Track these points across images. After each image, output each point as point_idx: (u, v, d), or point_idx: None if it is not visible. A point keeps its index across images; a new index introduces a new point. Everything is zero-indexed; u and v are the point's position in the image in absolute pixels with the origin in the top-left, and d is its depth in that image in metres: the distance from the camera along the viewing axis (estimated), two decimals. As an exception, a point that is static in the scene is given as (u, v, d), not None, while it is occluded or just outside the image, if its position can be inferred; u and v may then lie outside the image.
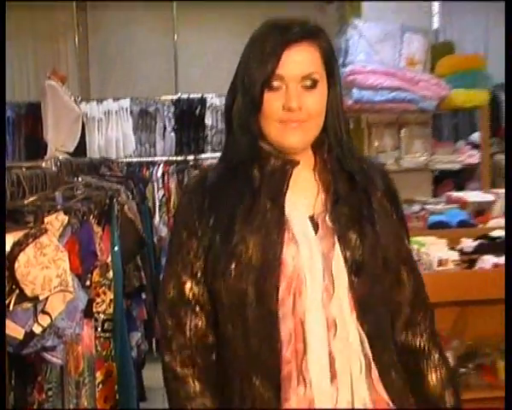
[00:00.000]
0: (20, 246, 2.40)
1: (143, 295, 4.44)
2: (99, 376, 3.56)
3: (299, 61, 1.94)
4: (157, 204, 7.43)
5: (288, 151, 2.00)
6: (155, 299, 4.93)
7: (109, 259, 3.58)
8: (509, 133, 2.82)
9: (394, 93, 6.05)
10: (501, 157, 8.65)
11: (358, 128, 6.52)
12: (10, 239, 2.41)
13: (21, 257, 2.38)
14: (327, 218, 1.97)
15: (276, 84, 1.93)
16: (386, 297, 2.05)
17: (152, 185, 7.38)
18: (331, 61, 2.02)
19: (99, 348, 3.58)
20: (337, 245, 1.92)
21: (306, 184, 2.04)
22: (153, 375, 5.81)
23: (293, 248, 1.91)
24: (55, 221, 2.70)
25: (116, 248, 3.72)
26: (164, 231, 7.36)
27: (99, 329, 3.60)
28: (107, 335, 3.62)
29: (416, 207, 5.47)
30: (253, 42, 1.99)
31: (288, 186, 1.99)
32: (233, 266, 1.89)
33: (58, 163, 3.41)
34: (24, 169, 2.73)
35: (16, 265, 2.37)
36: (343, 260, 1.91)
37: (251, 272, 1.89)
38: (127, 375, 3.85)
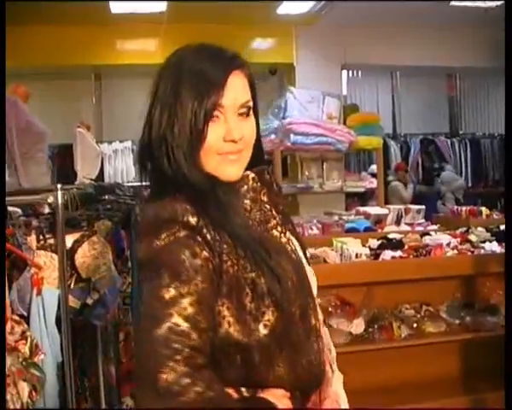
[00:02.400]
0: (78, 243, 2.42)
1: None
2: (121, 335, 3.55)
3: (236, 88, 1.39)
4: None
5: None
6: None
7: (128, 253, 3.58)
8: (509, 133, 2.77)
9: (319, 138, 6.10)
10: (395, 183, 8.84)
11: (294, 162, 6.58)
12: (71, 238, 2.42)
13: (79, 251, 2.40)
14: (296, 241, 1.54)
15: (217, 114, 1.37)
16: None
17: (148, 202, 7.35)
18: (254, 89, 1.48)
19: (121, 316, 3.57)
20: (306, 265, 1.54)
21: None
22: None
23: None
24: (102, 226, 2.71)
25: (133, 246, 3.72)
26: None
27: (121, 303, 3.60)
28: (127, 307, 3.61)
29: (335, 218, 5.53)
30: (184, 67, 1.39)
31: (272, 208, 1.50)
32: (278, 288, 1.34)
33: (93, 187, 3.40)
34: (75, 189, 2.72)
35: (76, 256, 2.39)
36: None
37: (295, 293, 1.38)
38: (140, 335, 3.84)
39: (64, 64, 8.00)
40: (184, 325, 1.22)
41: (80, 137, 6.72)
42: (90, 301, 2.38)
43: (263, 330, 1.33)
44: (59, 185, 2.29)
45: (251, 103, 1.44)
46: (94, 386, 2.92)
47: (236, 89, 1.40)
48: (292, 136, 6.01)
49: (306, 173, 6.43)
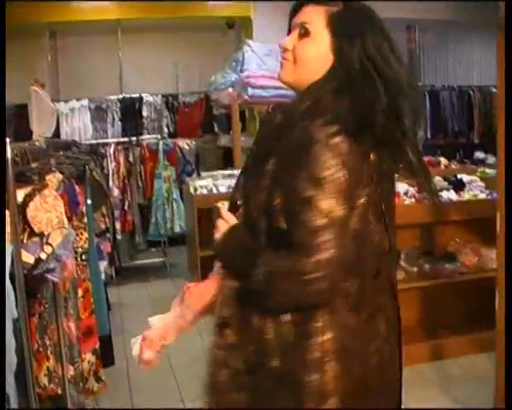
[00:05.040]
0: (29, 197, 2.39)
1: (108, 235, 4.37)
2: (80, 292, 3.54)
3: (301, 14, 1.66)
4: (110, 172, 7.30)
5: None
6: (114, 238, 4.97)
7: (84, 209, 3.55)
8: (508, 132, 2.73)
9: (277, 91, 6.07)
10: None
11: (252, 114, 6.58)
12: (22, 193, 2.39)
13: (31, 205, 2.37)
14: None
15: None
16: None
17: (106, 159, 7.27)
18: (337, 26, 1.62)
19: (79, 273, 3.54)
20: None
21: None
22: (113, 292, 5.81)
23: None
24: (54, 179, 2.68)
25: (89, 201, 3.69)
26: (115, 192, 7.24)
27: (78, 259, 3.56)
28: (84, 263, 3.59)
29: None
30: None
31: None
32: None
33: (46, 142, 3.35)
34: (27, 145, 2.68)
35: (27, 210, 2.36)
36: None
37: None
38: (99, 291, 3.84)
39: (17, 22, 7.78)
40: None
41: (35, 96, 6.63)
42: (43, 256, 2.35)
43: None
44: (8, 140, 2.23)
45: (308, 26, 1.65)
46: (55, 343, 2.92)
47: (300, 14, 1.69)
48: (250, 89, 5.99)
49: (265, 127, 6.42)
